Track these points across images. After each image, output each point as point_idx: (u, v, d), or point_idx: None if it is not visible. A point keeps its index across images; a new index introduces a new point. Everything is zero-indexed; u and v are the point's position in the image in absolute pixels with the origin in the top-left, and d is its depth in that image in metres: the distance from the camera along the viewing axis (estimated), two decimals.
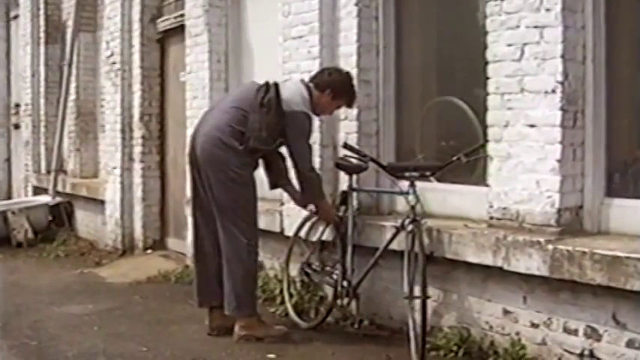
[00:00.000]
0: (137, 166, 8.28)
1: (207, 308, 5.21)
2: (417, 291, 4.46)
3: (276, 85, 5.00)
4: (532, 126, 4.16)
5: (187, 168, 5.27)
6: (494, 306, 4.41)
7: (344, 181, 5.35)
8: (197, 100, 7.13)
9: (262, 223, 5.87)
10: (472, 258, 4.36)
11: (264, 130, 4.88)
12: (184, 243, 7.87)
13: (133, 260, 8.07)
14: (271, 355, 4.68)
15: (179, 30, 7.84)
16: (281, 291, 5.75)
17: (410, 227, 4.49)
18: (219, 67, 6.98)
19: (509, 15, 4.25)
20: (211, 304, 5.16)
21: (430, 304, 4.60)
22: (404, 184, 4.72)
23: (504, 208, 4.31)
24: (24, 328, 5.37)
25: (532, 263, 4.03)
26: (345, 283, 4.96)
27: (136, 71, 8.22)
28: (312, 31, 5.48)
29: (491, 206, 4.39)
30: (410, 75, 5.41)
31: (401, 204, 5.26)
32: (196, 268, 5.27)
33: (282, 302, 5.72)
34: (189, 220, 7.19)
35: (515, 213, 4.26)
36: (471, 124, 4.95)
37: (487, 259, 4.27)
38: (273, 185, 5.31)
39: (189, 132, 7.17)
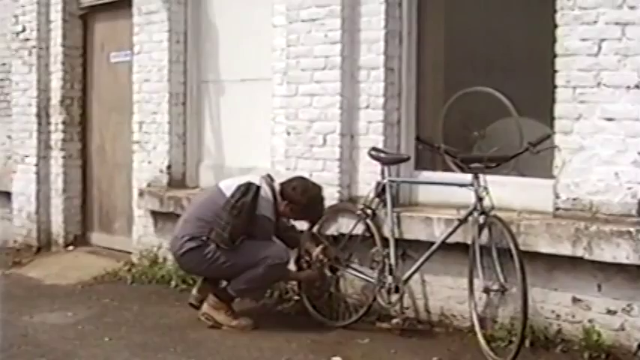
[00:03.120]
0: (57, 155, 7.50)
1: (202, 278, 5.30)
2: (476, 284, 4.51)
3: (257, 188, 4.95)
4: (610, 119, 4.26)
5: None
6: (561, 295, 4.46)
7: (364, 171, 5.26)
8: (149, 84, 6.59)
9: None
10: (546, 249, 4.38)
11: (226, 232, 4.88)
12: (115, 238, 7.31)
13: (58, 258, 7.32)
14: (336, 358, 4.44)
15: (110, 6, 7.22)
16: (286, 289, 5.53)
17: (481, 220, 4.45)
18: (179, 48, 6.50)
19: (585, 10, 4.30)
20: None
21: (485, 297, 4.62)
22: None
23: (574, 199, 4.38)
24: (22, 345, 4.67)
25: (620, 252, 4.12)
26: (391, 279, 4.83)
27: (56, 50, 7.43)
28: (332, 14, 5.23)
29: (557, 197, 4.44)
30: (432, 64, 5.34)
31: (424, 195, 5.23)
32: None
33: (289, 300, 5.50)
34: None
35: (587, 204, 4.34)
36: (508, 115, 5.00)
37: (565, 250, 4.31)
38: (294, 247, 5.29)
39: (136, 118, 6.71)
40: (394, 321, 4.90)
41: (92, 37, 7.49)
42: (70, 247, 7.51)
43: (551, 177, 4.60)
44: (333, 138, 5.29)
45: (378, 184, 5.05)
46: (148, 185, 6.61)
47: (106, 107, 7.38)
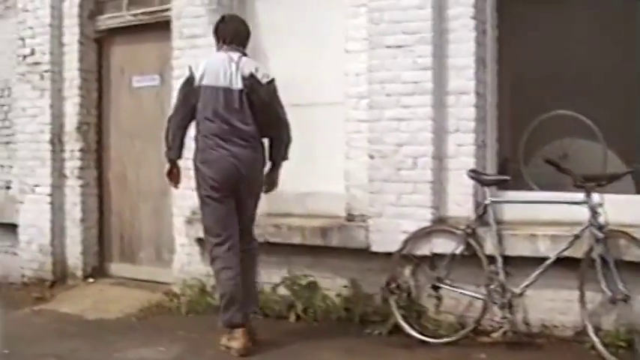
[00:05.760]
0: (73, 184, 7.17)
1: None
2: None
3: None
4: None
5: (214, 194, 5.10)
6: None
7: (454, 193, 5.44)
8: None
9: (335, 239, 5.71)
10: None
11: None
12: (141, 269, 7.10)
13: (82, 292, 6.96)
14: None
15: (130, 29, 7.04)
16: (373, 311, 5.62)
17: (599, 234, 4.74)
18: None
19: None
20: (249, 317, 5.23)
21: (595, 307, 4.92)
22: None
23: None
24: None
25: None
26: (503, 295, 5.03)
27: (71, 74, 7.12)
28: (422, 41, 5.38)
29: None
30: (512, 88, 5.60)
31: (509, 214, 5.41)
32: (235, 285, 5.10)
33: (374, 322, 5.56)
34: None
35: None
36: (590, 138, 5.35)
37: None
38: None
39: None
40: (494, 335, 5.12)
41: (109, 60, 7.23)
42: (90, 280, 7.18)
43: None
44: (425, 161, 5.43)
45: (479, 204, 5.27)
46: (194, 213, 6.46)
47: (126, 133, 7.13)
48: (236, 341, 5.02)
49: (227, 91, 5.04)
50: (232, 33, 5.28)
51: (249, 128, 5.08)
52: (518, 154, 5.60)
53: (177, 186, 5.48)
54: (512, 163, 5.61)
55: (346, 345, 5.20)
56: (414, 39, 5.43)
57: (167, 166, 5.33)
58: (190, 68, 5.17)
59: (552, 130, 5.53)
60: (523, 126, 5.60)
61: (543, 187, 5.44)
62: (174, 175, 5.36)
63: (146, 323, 6.00)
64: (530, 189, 5.51)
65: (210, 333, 5.57)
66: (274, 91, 5.20)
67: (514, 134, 5.65)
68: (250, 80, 5.06)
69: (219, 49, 5.29)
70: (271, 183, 5.38)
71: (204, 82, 5.05)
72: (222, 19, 5.43)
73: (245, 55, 5.24)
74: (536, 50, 5.61)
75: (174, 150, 5.21)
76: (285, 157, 5.37)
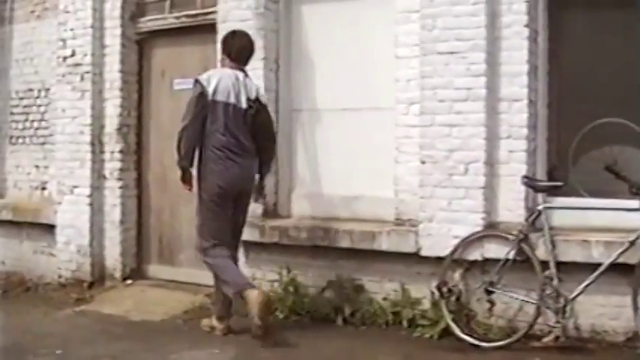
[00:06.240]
0: (113, 185, 7.19)
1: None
2: None
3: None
4: None
5: (219, 200, 5.50)
6: None
7: (506, 199, 5.48)
8: None
9: (384, 243, 5.75)
10: None
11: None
12: (181, 270, 7.14)
13: (122, 293, 6.98)
14: None
15: (172, 32, 7.06)
16: (421, 315, 5.67)
17: None
18: (271, 77, 6.43)
19: None
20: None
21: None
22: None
23: None
24: None
25: None
26: (557, 300, 5.08)
27: (112, 75, 7.14)
28: (475, 48, 5.43)
29: None
30: (561, 95, 5.64)
31: (558, 220, 5.46)
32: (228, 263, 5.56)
33: (422, 325, 5.60)
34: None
35: None
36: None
37: None
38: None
39: None
40: (545, 339, 5.17)
41: (149, 62, 7.25)
42: (129, 281, 7.20)
43: None
44: (477, 167, 5.47)
45: (531, 210, 5.32)
46: None
47: (166, 135, 7.10)
48: (254, 297, 5.20)
49: (236, 108, 5.51)
50: (238, 49, 5.68)
51: (250, 144, 5.58)
52: (568, 160, 5.65)
53: (191, 189, 5.70)
54: (559, 170, 5.66)
55: (399, 348, 5.25)
56: (467, 46, 5.47)
57: (179, 173, 5.62)
58: (200, 82, 5.48)
59: (600, 137, 5.57)
60: (571, 132, 5.63)
61: (590, 194, 5.50)
62: (187, 180, 5.65)
63: (192, 325, 6.00)
64: (579, 195, 5.56)
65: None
66: (268, 111, 5.82)
67: (562, 140, 5.70)
68: (255, 102, 5.60)
69: (223, 62, 5.75)
70: (260, 191, 5.91)
71: (217, 98, 5.44)
72: (233, 33, 5.80)
73: (247, 75, 5.67)
74: (585, 56, 5.66)
75: (188, 160, 5.54)
76: (270, 170, 6.01)
